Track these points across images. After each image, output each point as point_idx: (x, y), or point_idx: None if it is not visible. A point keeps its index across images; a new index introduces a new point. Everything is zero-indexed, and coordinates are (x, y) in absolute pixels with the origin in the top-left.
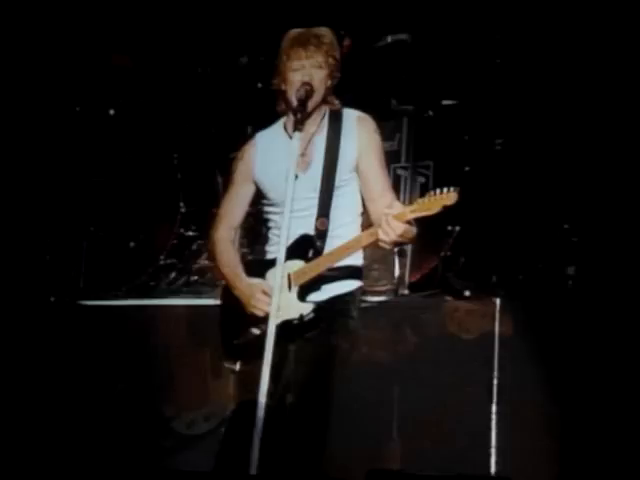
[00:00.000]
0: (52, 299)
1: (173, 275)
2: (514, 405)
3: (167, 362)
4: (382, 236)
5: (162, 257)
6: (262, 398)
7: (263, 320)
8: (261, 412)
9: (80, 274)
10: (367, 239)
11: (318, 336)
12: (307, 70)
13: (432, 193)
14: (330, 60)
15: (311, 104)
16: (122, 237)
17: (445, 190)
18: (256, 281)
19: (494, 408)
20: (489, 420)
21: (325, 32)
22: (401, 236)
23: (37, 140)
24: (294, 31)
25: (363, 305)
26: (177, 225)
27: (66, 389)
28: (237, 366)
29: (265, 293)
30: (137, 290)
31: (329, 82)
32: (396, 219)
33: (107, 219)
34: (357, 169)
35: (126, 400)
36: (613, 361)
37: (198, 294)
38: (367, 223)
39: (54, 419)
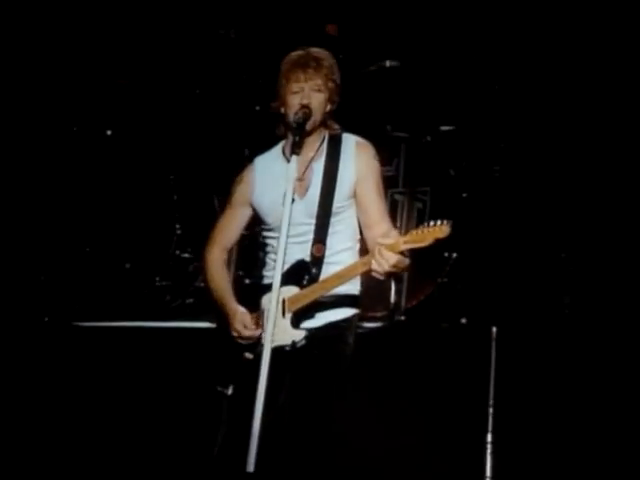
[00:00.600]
0: (46, 319)
1: (168, 297)
2: (510, 434)
3: (161, 385)
4: (375, 266)
5: (157, 279)
6: (256, 423)
7: (256, 345)
8: (255, 438)
9: (75, 295)
10: (361, 268)
11: (312, 363)
12: (306, 93)
13: (426, 225)
14: (329, 84)
15: (309, 127)
16: (117, 258)
17: (439, 222)
18: (241, 309)
19: (489, 437)
20: (484, 449)
21: (325, 55)
22: (394, 266)
23: (34, 159)
24: (294, 53)
25: (359, 331)
26: (173, 247)
27: (60, 411)
28: (229, 390)
29: (245, 321)
30: (132, 312)
31: (328, 106)
32: (389, 250)
33: (103, 240)
34: (355, 195)
35: (119, 421)
36: (610, 388)
37: (193, 316)
38: (365, 249)
39: (48, 440)
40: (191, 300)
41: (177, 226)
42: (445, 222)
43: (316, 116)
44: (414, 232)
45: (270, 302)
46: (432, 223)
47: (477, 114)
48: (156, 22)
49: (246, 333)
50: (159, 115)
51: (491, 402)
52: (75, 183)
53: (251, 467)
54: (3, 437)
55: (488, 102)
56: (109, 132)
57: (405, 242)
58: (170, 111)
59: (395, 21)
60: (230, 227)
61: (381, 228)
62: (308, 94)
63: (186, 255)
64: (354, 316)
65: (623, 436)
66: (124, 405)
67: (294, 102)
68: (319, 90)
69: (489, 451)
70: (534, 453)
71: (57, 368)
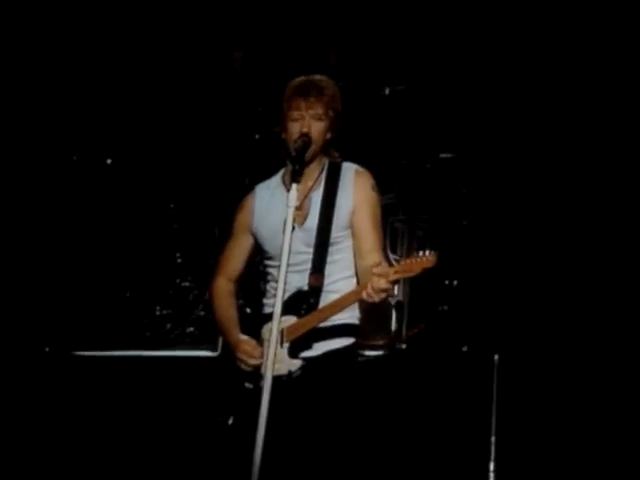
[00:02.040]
0: (47, 349)
1: (169, 326)
2: (512, 463)
3: (161, 414)
4: (365, 296)
5: (158, 308)
6: (258, 453)
7: (256, 375)
8: (256, 467)
9: (75, 324)
10: (353, 297)
11: (309, 392)
12: (306, 121)
13: (414, 255)
14: (330, 112)
15: (309, 156)
16: (118, 287)
17: (427, 253)
18: (245, 337)
19: (492, 466)
20: (487, 478)
21: (327, 83)
22: (383, 293)
23: (34, 189)
24: (297, 80)
25: (360, 360)
26: (173, 275)
27: (60, 440)
28: (230, 420)
29: (248, 350)
30: (132, 341)
31: (329, 134)
32: (380, 279)
33: (103, 269)
34: (351, 224)
35: (120, 451)
36: (615, 416)
37: (194, 345)
38: None
39: (49, 469)
40: (192, 329)
41: (177, 255)
42: (432, 253)
43: (316, 145)
44: (403, 262)
45: (270, 332)
46: (420, 253)
47: (476, 141)
48: (157, 50)
49: (250, 362)
50: (159, 144)
51: (493, 430)
52: (75, 212)
53: None
54: (6, 465)
55: (487, 129)
56: (109, 161)
57: (395, 272)
58: (170, 140)
59: (394, 49)
60: (233, 256)
61: (373, 258)
62: (308, 122)
63: (186, 284)
64: (352, 345)
65: (629, 464)
66: (125, 434)
67: (294, 130)
68: (320, 119)
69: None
70: None
71: (58, 398)
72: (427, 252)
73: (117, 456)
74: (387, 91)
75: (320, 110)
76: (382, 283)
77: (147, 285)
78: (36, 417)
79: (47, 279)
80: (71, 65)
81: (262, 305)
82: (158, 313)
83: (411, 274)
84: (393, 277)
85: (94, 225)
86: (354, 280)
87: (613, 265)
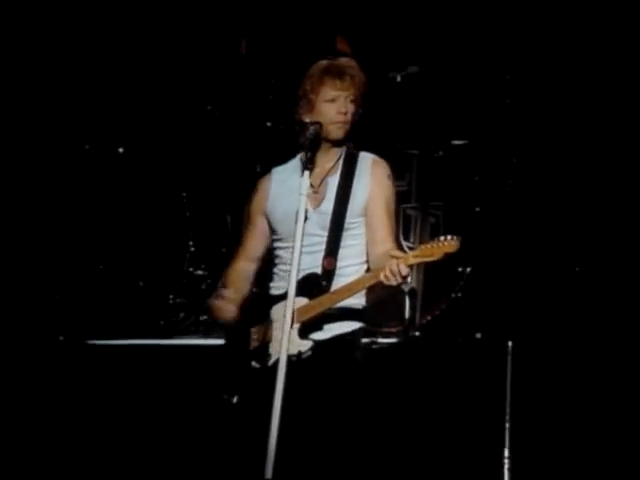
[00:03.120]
0: (61, 338)
1: (182, 314)
2: (527, 449)
3: (175, 402)
4: (383, 279)
5: (171, 296)
6: (274, 431)
7: (264, 354)
8: (272, 446)
9: (89, 313)
10: (369, 281)
11: (317, 375)
12: (343, 102)
13: (436, 240)
14: (359, 96)
15: (344, 137)
16: (131, 276)
17: (449, 237)
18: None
19: (507, 452)
20: (502, 465)
21: (357, 66)
22: (403, 278)
23: (47, 178)
24: (324, 62)
25: (374, 347)
26: (186, 264)
27: (75, 429)
28: (234, 399)
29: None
30: (146, 329)
31: (356, 118)
32: (398, 262)
33: (116, 258)
34: (365, 212)
35: (133, 439)
36: (629, 402)
37: (207, 334)
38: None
39: (63, 458)
40: (205, 317)
41: (190, 243)
42: (454, 237)
43: (349, 126)
44: (423, 247)
45: (279, 313)
46: (442, 238)
47: (489, 128)
48: (167, 39)
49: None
50: (171, 132)
51: (508, 417)
52: (88, 201)
53: (269, 474)
54: (18, 453)
55: (500, 116)
56: (121, 150)
57: (415, 256)
58: (181, 128)
59: (404, 35)
60: (252, 237)
61: (385, 247)
62: (345, 103)
63: (200, 272)
64: (359, 329)
65: None
66: (138, 423)
67: (330, 110)
68: (353, 101)
69: (506, 466)
70: (551, 468)
71: (72, 387)
72: (449, 237)
73: (130, 445)
74: (398, 78)
75: (355, 92)
76: (402, 267)
77: (160, 274)
78: (50, 406)
79: (61, 268)
80: (83, 54)
81: (269, 287)
82: (171, 302)
83: (432, 258)
84: (412, 261)
85: (106, 214)
86: (366, 267)
87: (627, 252)
